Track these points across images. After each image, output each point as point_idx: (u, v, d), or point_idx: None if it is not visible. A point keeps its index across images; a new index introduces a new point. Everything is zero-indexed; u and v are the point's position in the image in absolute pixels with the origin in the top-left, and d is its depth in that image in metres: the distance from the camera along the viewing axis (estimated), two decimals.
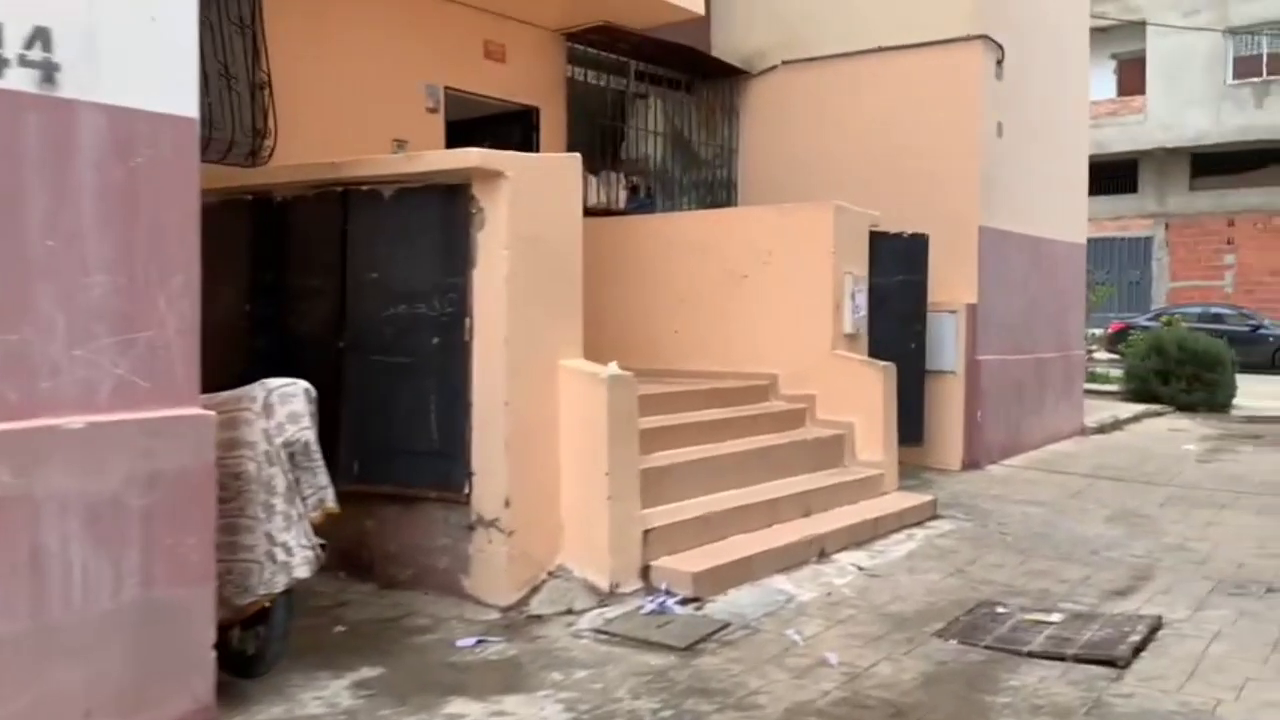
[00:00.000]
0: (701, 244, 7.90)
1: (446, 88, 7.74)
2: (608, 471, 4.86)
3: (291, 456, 3.67)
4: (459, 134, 8.90)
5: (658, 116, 9.59)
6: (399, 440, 5.09)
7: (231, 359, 5.93)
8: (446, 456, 4.94)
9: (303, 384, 3.77)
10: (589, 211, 8.77)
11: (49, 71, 3.08)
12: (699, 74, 9.88)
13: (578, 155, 5.14)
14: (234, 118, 6.30)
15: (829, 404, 7.34)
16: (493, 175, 4.72)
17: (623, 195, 8.95)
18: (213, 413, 3.47)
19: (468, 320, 4.85)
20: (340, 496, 5.36)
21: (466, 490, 4.89)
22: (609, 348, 8.56)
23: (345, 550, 5.37)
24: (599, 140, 9.06)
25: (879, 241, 7.92)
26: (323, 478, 3.78)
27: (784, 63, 9.94)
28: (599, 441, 4.88)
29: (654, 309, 8.11)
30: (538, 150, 8.47)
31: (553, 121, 8.59)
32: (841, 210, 7.40)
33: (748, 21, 10.18)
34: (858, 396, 7.26)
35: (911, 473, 8.36)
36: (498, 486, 4.79)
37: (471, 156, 4.64)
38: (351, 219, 5.20)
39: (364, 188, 5.13)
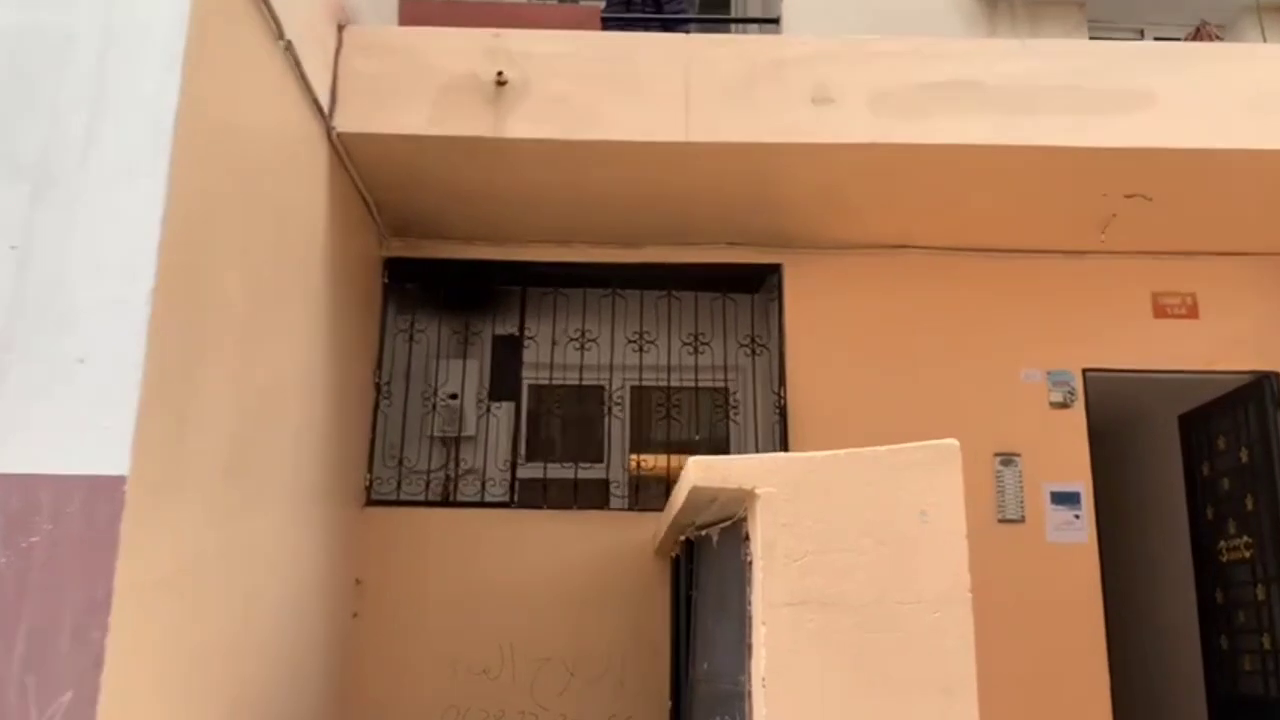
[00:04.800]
0: None
1: (1086, 370, 5.40)
2: None
3: None
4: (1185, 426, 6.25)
5: None
6: None
7: None
8: None
9: None
10: None
11: None
12: None
13: (953, 443, 2.79)
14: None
15: None
16: (747, 498, 2.79)
17: None
18: None
19: None
20: None
21: None
22: None
23: None
24: None
25: None
26: None
27: None
28: None
29: None
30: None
31: None
32: None
33: None
34: None
35: None
36: None
37: (690, 473, 2.81)
38: (697, 573, 3.63)
39: (702, 531, 3.55)
